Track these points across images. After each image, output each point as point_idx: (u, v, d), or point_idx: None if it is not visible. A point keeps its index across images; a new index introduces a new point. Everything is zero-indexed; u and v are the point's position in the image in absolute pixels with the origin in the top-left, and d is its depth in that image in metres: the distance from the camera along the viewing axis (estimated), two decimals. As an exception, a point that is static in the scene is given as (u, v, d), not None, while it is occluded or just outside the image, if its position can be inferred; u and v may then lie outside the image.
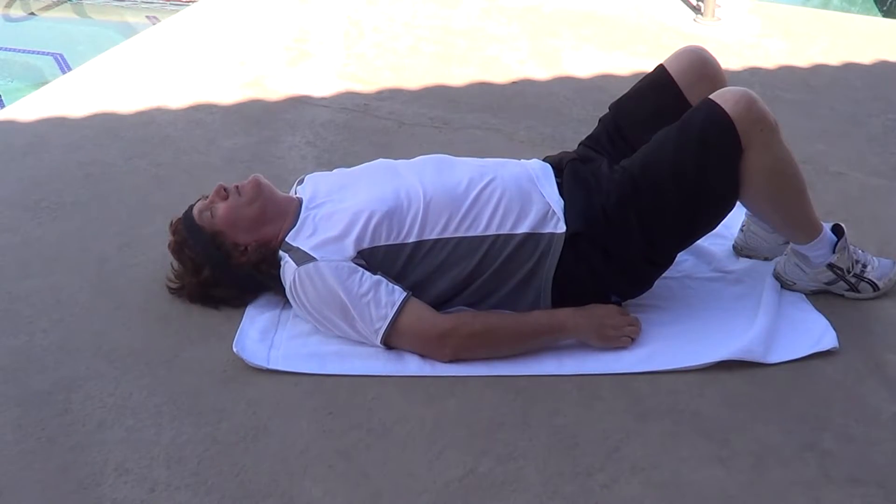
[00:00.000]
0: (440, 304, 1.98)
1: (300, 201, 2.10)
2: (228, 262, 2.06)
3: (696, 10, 4.16)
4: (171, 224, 2.13)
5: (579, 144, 2.28)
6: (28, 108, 3.22)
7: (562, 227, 1.97)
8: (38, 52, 5.47)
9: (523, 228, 1.97)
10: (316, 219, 2.02)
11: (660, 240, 1.99)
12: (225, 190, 2.08)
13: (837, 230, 2.11)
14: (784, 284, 2.16)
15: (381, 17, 4.18)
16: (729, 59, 3.59)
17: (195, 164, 2.84)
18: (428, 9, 4.27)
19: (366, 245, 1.94)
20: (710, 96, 1.94)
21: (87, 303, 2.17)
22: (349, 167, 2.28)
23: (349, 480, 1.67)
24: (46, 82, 3.67)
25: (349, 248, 1.93)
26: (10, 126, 3.11)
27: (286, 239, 2.02)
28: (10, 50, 5.58)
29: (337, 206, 2.02)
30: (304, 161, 2.85)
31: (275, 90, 3.40)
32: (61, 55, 5.35)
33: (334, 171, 2.34)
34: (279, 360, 1.95)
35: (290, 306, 2.09)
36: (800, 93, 3.37)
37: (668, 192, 1.93)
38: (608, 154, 2.16)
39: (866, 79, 3.51)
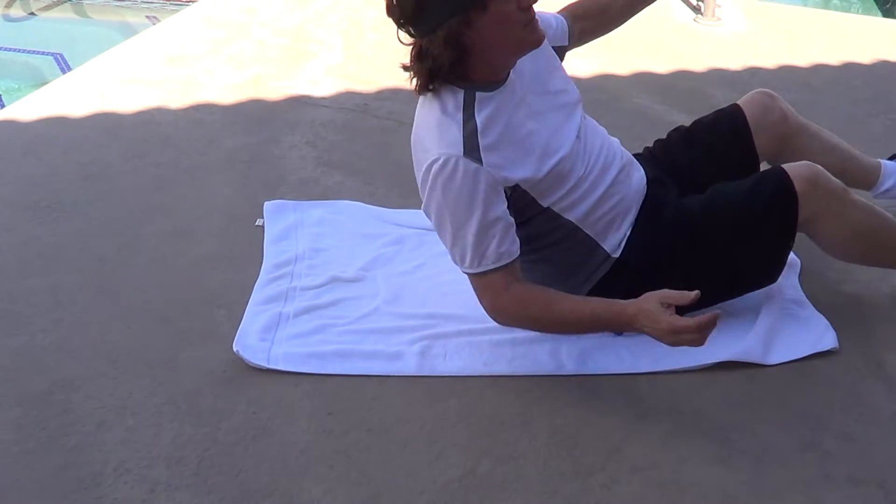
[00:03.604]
0: None
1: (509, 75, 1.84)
2: (459, 21, 1.75)
3: (696, 10, 4.15)
4: None
5: (657, 150, 2.19)
6: (28, 108, 3.22)
7: (617, 252, 1.94)
8: (38, 52, 5.45)
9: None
10: (510, 119, 1.81)
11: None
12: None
13: None
14: None
15: (381, 17, 4.16)
16: (729, 59, 3.59)
17: (195, 164, 2.84)
18: (428, 9, 4.26)
19: (527, 186, 1.81)
20: (784, 166, 1.94)
21: (87, 303, 2.17)
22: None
23: (349, 480, 1.67)
24: (46, 82, 3.67)
25: (516, 175, 1.79)
26: (10, 126, 3.10)
27: (476, 86, 1.78)
28: (10, 50, 5.57)
29: (532, 125, 1.84)
30: (303, 161, 2.84)
31: (275, 90, 3.39)
32: (61, 55, 5.34)
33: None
34: (279, 359, 1.95)
35: (291, 306, 2.10)
36: (800, 93, 3.36)
37: (718, 258, 1.95)
38: (677, 177, 2.11)
39: (866, 79, 3.51)
